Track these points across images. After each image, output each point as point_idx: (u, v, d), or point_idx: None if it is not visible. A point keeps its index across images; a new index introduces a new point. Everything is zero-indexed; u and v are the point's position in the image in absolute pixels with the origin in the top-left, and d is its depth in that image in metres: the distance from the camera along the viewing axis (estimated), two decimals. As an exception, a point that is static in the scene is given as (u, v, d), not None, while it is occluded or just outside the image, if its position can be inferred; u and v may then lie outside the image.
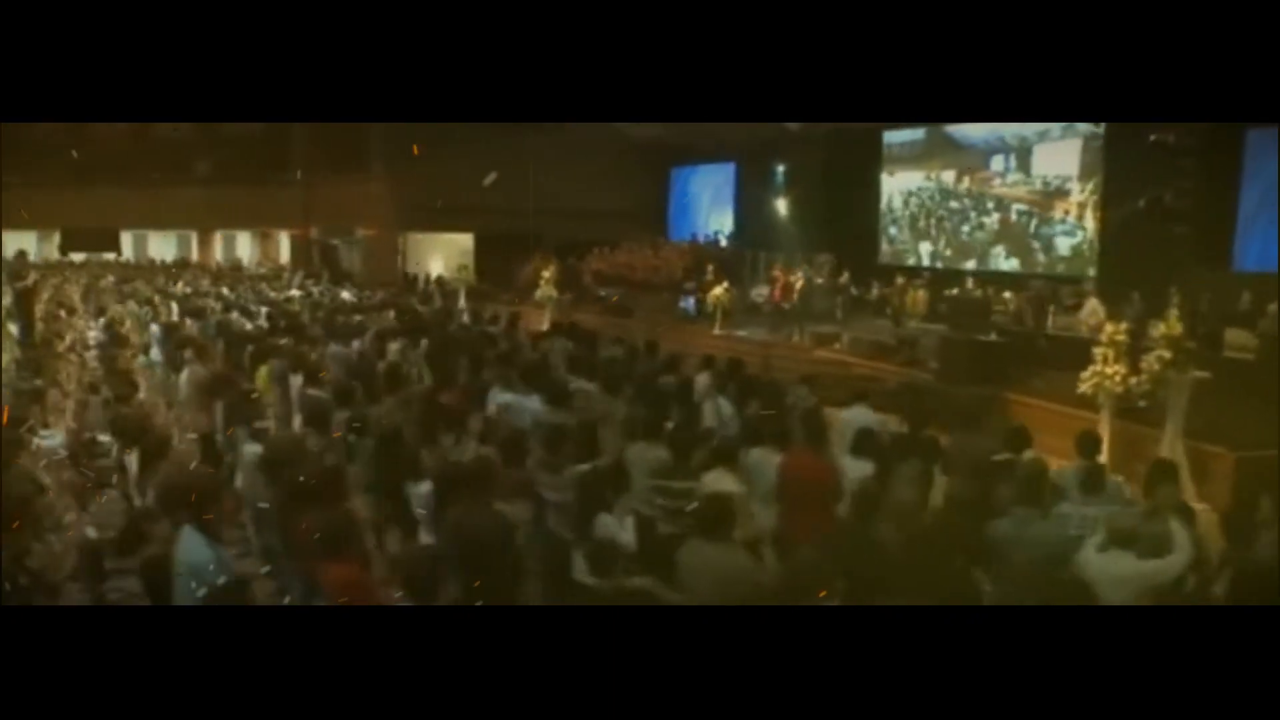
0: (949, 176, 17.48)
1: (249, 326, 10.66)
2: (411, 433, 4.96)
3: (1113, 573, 3.37)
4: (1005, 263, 16.00)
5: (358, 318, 11.67)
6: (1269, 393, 7.39)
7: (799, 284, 14.48)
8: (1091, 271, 13.99)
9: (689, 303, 16.44)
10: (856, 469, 4.72)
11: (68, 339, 9.77)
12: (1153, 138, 12.06)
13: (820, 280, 15.77)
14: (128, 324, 11.21)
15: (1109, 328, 8.00)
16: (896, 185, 18.54)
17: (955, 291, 14.05)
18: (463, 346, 8.18)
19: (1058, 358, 9.76)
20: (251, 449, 4.92)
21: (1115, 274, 12.63)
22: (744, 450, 4.74)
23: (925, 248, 17.85)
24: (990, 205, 16.58)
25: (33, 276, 11.62)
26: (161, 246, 25.45)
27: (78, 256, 23.32)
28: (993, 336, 10.13)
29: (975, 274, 15.67)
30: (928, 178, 17.89)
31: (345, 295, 16.36)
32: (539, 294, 16.16)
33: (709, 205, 23.26)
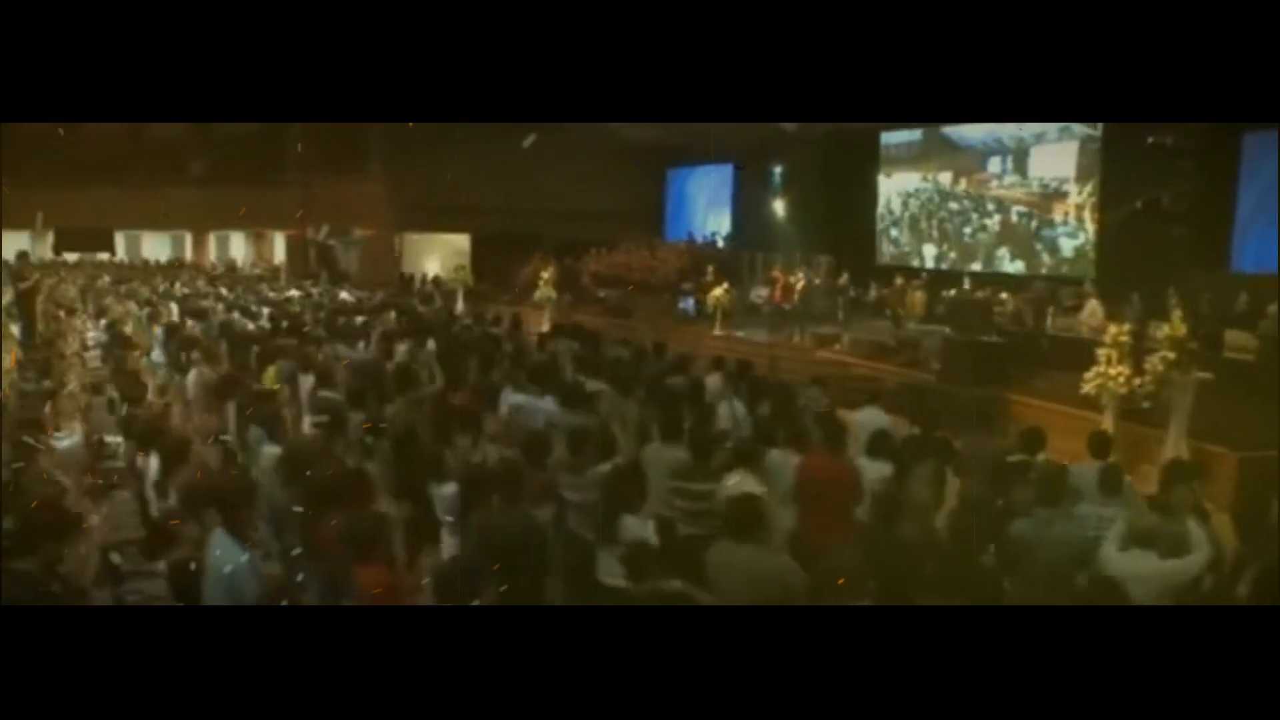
0: (946, 178, 17.55)
1: (251, 327, 10.63)
2: (429, 434, 4.97)
3: (1135, 572, 3.41)
4: (1010, 265, 16.04)
5: (360, 319, 11.65)
6: (1269, 393, 7.47)
7: (799, 285, 14.51)
8: (1090, 273, 14.08)
9: (688, 303, 16.48)
10: (873, 470, 4.76)
11: (71, 340, 9.71)
12: (1150, 140, 12.14)
13: (817, 281, 15.83)
14: (130, 325, 11.15)
15: (1112, 329, 8.07)
16: (894, 187, 18.60)
17: (953, 293, 14.12)
18: (470, 347, 8.18)
19: (1059, 358, 9.84)
20: (270, 450, 4.92)
21: (1114, 275, 12.71)
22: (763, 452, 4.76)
23: (929, 250, 17.85)
24: (991, 207, 16.66)
25: (35, 277, 11.56)
26: (154, 247, 25.33)
27: (71, 256, 23.19)
28: (994, 338, 10.18)
29: (972, 275, 15.75)
30: (925, 179, 17.96)
31: (344, 296, 16.31)
32: (538, 295, 16.16)
33: (705, 206, 23.30)
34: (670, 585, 2.80)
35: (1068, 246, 15.18)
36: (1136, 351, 7.80)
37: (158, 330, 10.42)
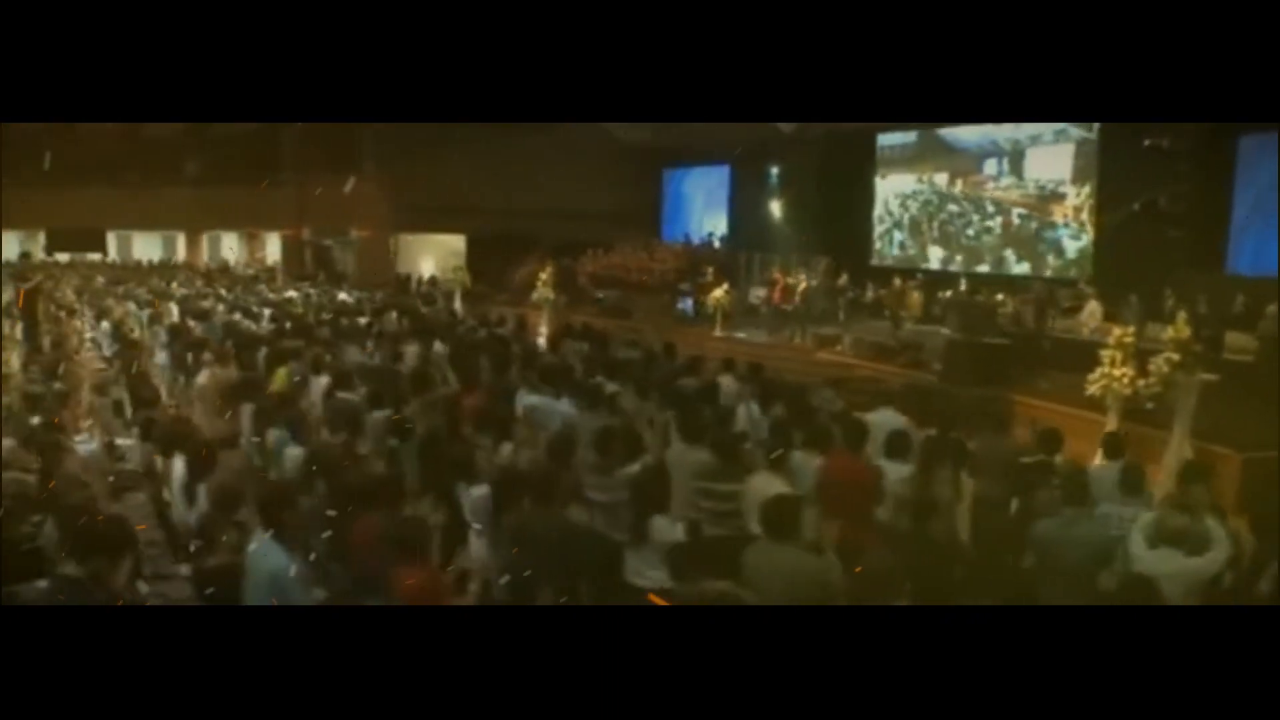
0: (941, 179, 17.66)
1: (254, 328, 10.62)
2: (453, 436, 5.00)
3: (1165, 569, 3.48)
4: (1017, 267, 16.12)
5: (362, 319, 11.65)
6: (1269, 394, 7.59)
7: (800, 286, 14.58)
8: (1088, 272, 14.20)
9: (687, 304, 16.53)
10: (893, 471, 4.81)
11: (75, 342, 9.67)
12: (1147, 142, 12.28)
13: (815, 282, 15.90)
14: (135, 327, 11.11)
15: (1116, 331, 8.17)
16: (891, 188, 18.70)
17: (949, 294, 14.22)
18: (479, 349, 8.20)
19: (1060, 360, 9.95)
20: (294, 452, 4.93)
21: (1110, 276, 12.85)
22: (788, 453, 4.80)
23: (935, 253, 17.87)
24: (991, 209, 16.75)
25: (38, 277, 11.49)
26: (145, 247, 25.18)
27: (62, 257, 23.04)
28: (999, 339, 10.27)
29: (969, 276, 15.86)
30: (920, 180, 18.07)
31: (343, 297, 16.28)
32: (536, 295, 16.13)
33: (702, 207, 23.37)
34: (715, 585, 2.83)
35: (1071, 248, 15.29)
36: (1140, 353, 7.90)
37: (160, 331, 10.40)
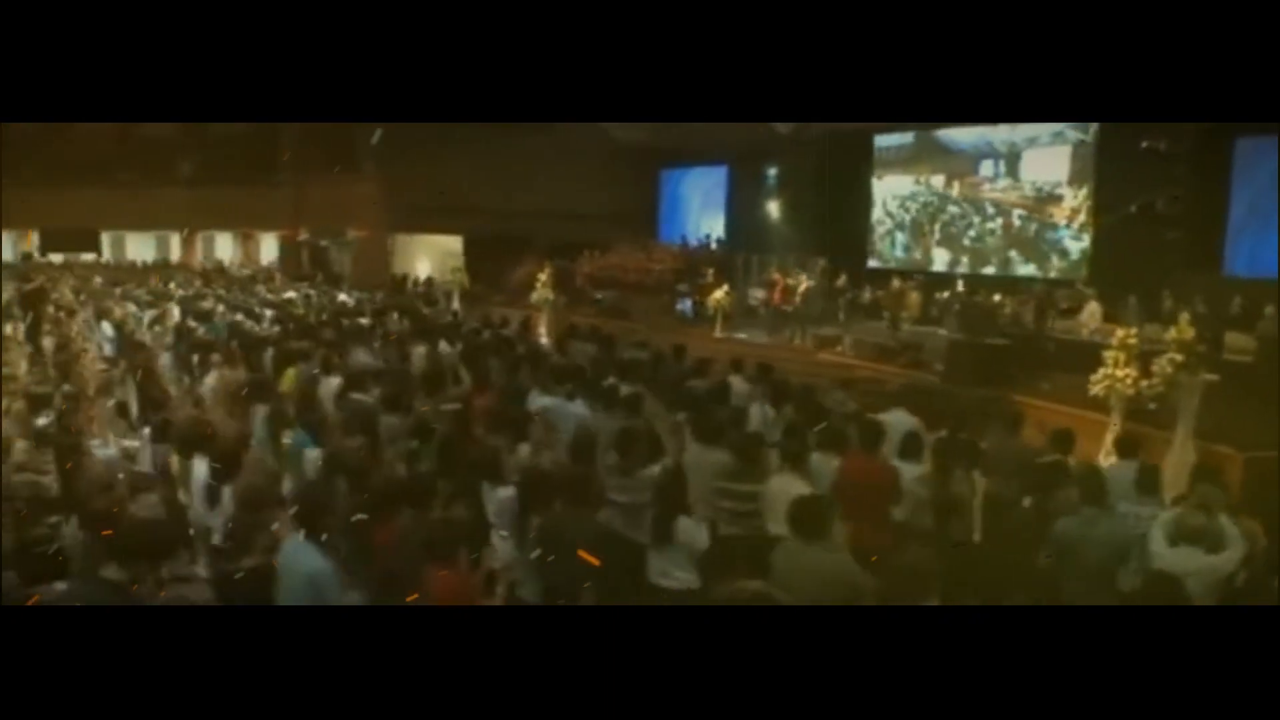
0: (938, 181, 17.74)
1: (257, 329, 10.61)
2: (472, 437, 5.02)
3: (1186, 567, 3.54)
4: (1023, 268, 16.17)
5: (363, 320, 11.65)
6: (1269, 394, 7.67)
7: (800, 287, 14.63)
8: (1084, 274, 14.30)
9: (686, 305, 16.56)
10: (908, 472, 4.86)
11: (78, 343, 9.64)
12: (1144, 144, 12.37)
13: (812, 283, 15.96)
14: (135, 328, 11.08)
15: (1120, 332, 8.24)
16: (888, 190, 18.77)
17: (947, 295, 14.30)
18: (487, 350, 8.22)
19: (1062, 360, 10.03)
20: (313, 453, 4.94)
21: (1108, 278, 12.95)
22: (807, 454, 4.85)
23: (940, 255, 17.87)
24: (990, 210, 16.83)
25: (41, 279, 11.44)
26: (139, 247, 25.08)
27: (56, 257, 22.94)
28: (1001, 340, 10.34)
29: (967, 277, 15.94)
30: (917, 182, 18.15)
31: (342, 297, 16.26)
32: (535, 296, 16.11)
33: (699, 208, 23.41)
34: (749, 586, 2.86)
35: (1075, 249, 15.36)
36: (1143, 354, 7.97)
37: (164, 331, 10.39)
